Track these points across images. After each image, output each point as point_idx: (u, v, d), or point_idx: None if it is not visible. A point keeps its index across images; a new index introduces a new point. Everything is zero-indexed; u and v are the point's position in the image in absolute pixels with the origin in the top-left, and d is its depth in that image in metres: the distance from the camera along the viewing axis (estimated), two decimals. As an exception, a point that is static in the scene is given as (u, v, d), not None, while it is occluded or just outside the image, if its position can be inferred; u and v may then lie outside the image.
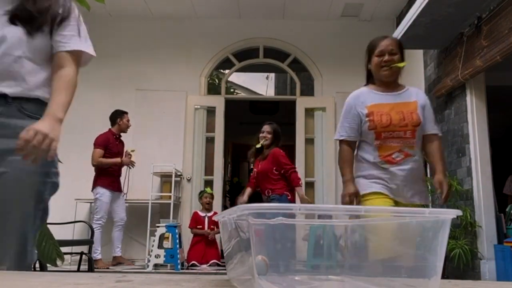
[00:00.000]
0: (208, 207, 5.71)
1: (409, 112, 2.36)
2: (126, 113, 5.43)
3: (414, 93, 2.50)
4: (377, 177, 2.32)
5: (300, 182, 4.28)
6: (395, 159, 2.31)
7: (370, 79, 2.57)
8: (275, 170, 4.20)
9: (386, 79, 2.42)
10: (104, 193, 5.12)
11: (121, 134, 5.43)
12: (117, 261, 5.29)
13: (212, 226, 5.58)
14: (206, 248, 5.49)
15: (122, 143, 5.47)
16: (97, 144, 5.15)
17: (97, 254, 5.04)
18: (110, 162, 5.13)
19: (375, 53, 2.47)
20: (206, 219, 5.60)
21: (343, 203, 2.33)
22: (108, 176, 5.18)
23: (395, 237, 0.79)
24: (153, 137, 6.39)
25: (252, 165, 4.36)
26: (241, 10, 6.60)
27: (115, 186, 5.26)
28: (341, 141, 2.44)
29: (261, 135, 4.35)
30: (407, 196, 2.32)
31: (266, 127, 4.37)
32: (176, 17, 6.82)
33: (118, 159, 5.22)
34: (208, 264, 5.37)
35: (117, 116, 5.35)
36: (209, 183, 6.42)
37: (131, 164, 5.36)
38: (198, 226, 5.58)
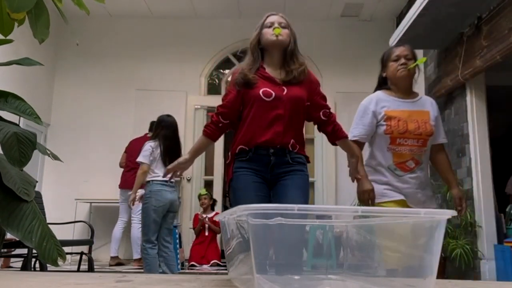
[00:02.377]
0: (204, 207, 5.73)
1: (424, 121, 2.42)
2: None
3: (428, 103, 2.56)
4: (390, 184, 2.37)
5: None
6: (408, 167, 2.37)
7: (382, 86, 2.63)
8: (307, 109, 2.23)
9: (403, 81, 2.47)
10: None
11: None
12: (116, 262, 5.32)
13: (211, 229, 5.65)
14: (206, 249, 5.51)
15: None
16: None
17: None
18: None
19: (391, 59, 2.49)
20: (207, 219, 5.67)
21: (363, 200, 2.34)
22: None
23: (394, 238, 0.79)
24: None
25: (246, 83, 2.16)
26: (241, 10, 6.61)
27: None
28: (353, 141, 2.42)
29: (273, 28, 2.22)
30: (421, 201, 2.38)
31: (278, 17, 2.29)
32: (176, 17, 6.82)
33: None
34: (209, 265, 5.38)
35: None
36: (209, 183, 6.43)
37: None
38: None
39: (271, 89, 2.12)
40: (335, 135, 2.24)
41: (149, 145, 3.97)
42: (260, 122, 2.10)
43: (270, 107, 2.09)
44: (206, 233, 5.61)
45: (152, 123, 5.30)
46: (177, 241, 5.10)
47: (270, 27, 2.23)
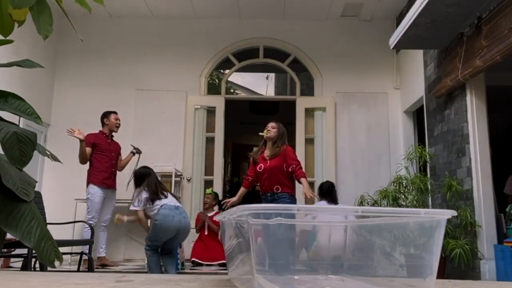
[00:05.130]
0: (206, 206, 5.73)
1: None
2: (113, 112, 5.46)
3: None
4: None
5: (305, 175, 4.30)
6: None
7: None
8: (285, 167, 4.24)
9: None
10: (95, 193, 5.11)
11: (113, 134, 5.44)
12: (101, 262, 5.23)
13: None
14: (207, 247, 5.49)
15: (115, 143, 5.47)
16: (85, 142, 5.15)
17: (102, 251, 5.27)
18: (81, 149, 5.12)
19: None
20: (207, 216, 5.65)
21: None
22: (100, 172, 5.17)
23: (393, 238, 0.79)
24: (153, 137, 6.40)
25: (254, 162, 4.41)
26: (241, 10, 6.61)
27: (108, 183, 5.24)
28: None
29: (265, 130, 4.42)
30: None
31: (271, 123, 4.44)
32: (176, 17, 6.82)
33: (130, 155, 5.49)
34: (217, 263, 5.37)
35: (103, 117, 5.44)
36: (209, 183, 6.42)
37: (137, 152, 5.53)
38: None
39: (262, 164, 4.30)
40: (296, 178, 4.24)
41: (138, 195, 4.55)
42: (260, 181, 4.35)
43: (262, 173, 4.28)
44: (206, 232, 5.60)
45: (100, 118, 5.45)
46: (177, 241, 5.10)
47: (265, 129, 4.40)
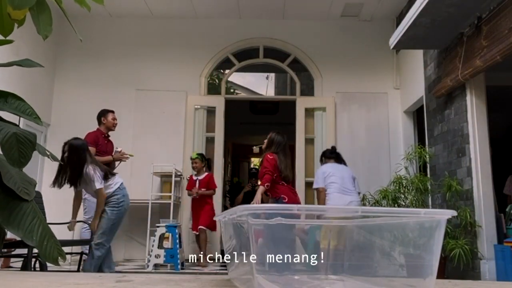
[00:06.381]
0: (196, 170, 5.76)
1: None
2: (111, 111, 5.39)
3: None
4: None
5: (265, 184, 4.19)
6: None
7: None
8: None
9: None
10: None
11: (109, 134, 5.40)
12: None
13: (203, 189, 5.65)
14: (198, 212, 5.61)
15: (111, 142, 5.42)
16: (88, 142, 4.87)
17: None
18: (104, 160, 4.94)
19: None
20: (197, 182, 5.70)
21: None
22: None
23: (393, 238, 0.79)
24: (153, 137, 6.39)
25: None
26: (241, 10, 6.61)
27: None
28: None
29: None
30: None
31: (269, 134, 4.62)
32: (176, 17, 6.82)
33: (109, 157, 5.09)
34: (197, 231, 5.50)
35: (101, 115, 5.33)
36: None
37: (123, 157, 5.22)
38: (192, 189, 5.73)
39: None
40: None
41: (95, 171, 3.98)
42: None
43: None
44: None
45: (97, 116, 5.28)
46: (177, 241, 5.09)
47: None
